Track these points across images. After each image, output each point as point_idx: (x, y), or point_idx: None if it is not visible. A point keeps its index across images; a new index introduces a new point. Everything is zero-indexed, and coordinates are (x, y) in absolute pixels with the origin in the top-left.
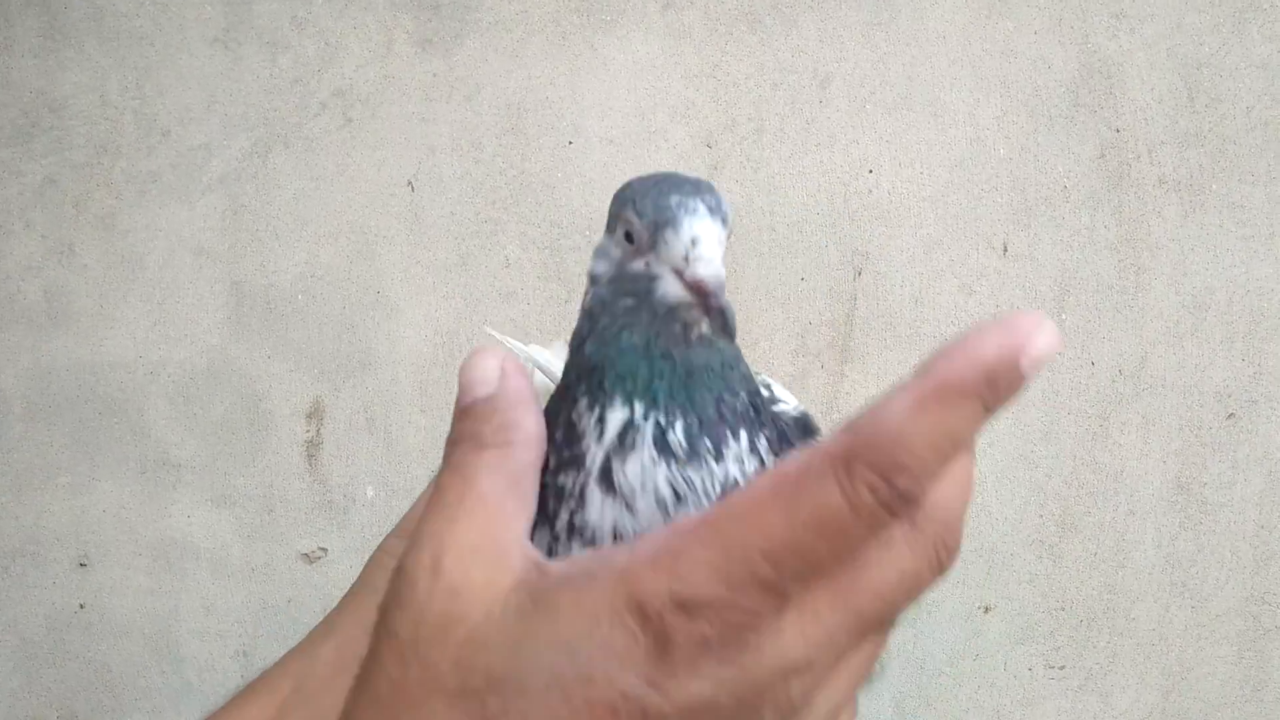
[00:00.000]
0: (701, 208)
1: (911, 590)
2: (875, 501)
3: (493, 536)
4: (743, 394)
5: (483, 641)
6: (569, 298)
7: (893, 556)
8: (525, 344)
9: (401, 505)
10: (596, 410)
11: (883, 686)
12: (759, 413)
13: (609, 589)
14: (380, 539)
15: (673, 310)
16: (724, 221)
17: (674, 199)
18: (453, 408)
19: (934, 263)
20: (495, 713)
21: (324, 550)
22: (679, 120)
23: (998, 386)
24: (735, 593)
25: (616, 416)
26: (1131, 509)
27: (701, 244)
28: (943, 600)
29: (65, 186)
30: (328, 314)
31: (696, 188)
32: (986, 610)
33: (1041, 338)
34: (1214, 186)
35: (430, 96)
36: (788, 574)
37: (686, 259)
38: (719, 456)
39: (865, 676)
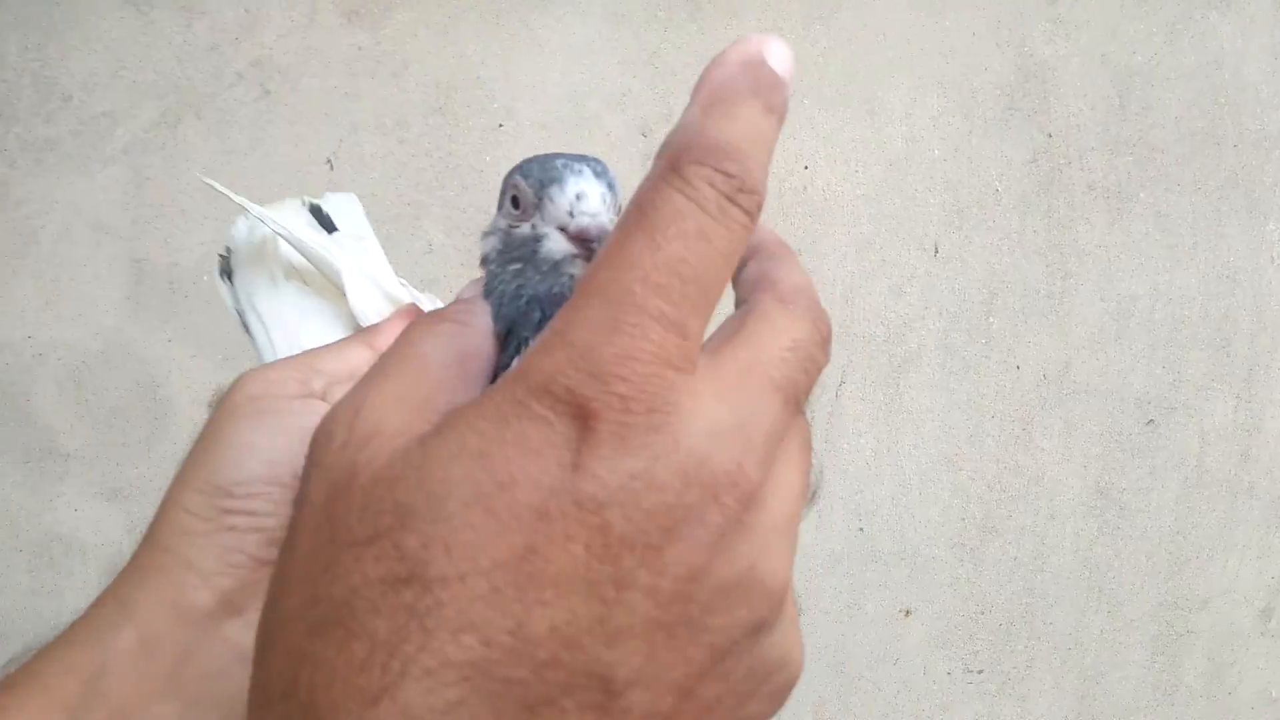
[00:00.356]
0: (587, 170)
1: (805, 359)
2: (718, 193)
3: (422, 392)
4: None
5: (388, 479)
6: None
7: (775, 324)
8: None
9: None
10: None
11: (802, 691)
12: None
13: (509, 387)
14: None
15: (557, 265)
16: (609, 187)
17: (559, 161)
18: None
19: (865, 262)
20: (413, 549)
21: None
22: (614, 107)
23: (760, 83)
24: (639, 339)
25: None
26: (1052, 513)
27: (586, 199)
28: (864, 603)
29: None
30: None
31: (583, 157)
32: (907, 614)
33: (770, 42)
34: (1141, 194)
35: (355, 71)
36: (679, 301)
37: (571, 214)
38: None
39: (805, 471)
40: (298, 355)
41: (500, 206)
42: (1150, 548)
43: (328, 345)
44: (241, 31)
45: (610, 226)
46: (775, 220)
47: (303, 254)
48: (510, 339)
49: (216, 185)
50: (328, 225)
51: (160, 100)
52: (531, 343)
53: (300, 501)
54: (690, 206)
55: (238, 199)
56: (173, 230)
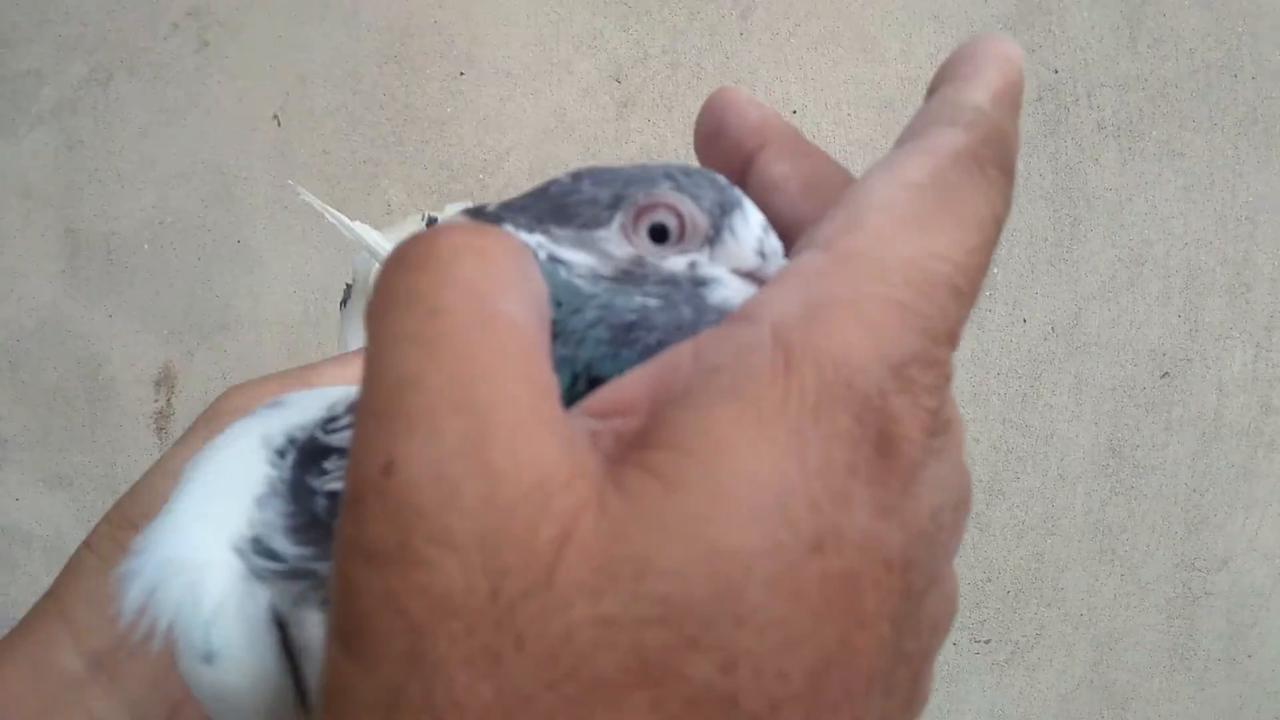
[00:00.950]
0: (743, 194)
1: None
2: (1003, 206)
3: (547, 391)
4: None
5: (624, 559)
6: None
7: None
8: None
9: None
10: None
11: None
12: None
13: (804, 388)
14: None
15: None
16: None
17: (723, 180)
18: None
19: None
20: (708, 680)
21: None
22: (584, 51)
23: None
24: (941, 344)
25: None
26: (1061, 474)
27: (773, 235)
28: None
29: None
30: (179, 267)
31: (709, 174)
32: None
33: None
34: (1153, 133)
35: (300, 18)
36: (966, 312)
37: (762, 254)
38: None
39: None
40: (295, 369)
41: (591, 221)
42: (1166, 507)
43: (330, 358)
44: None
45: None
46: None
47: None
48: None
49: (313, 200)
50: None
51: (89, 55)
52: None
53: (397, 609)
54: (989, 211)
55: (329, 212)
56: (109, 197)
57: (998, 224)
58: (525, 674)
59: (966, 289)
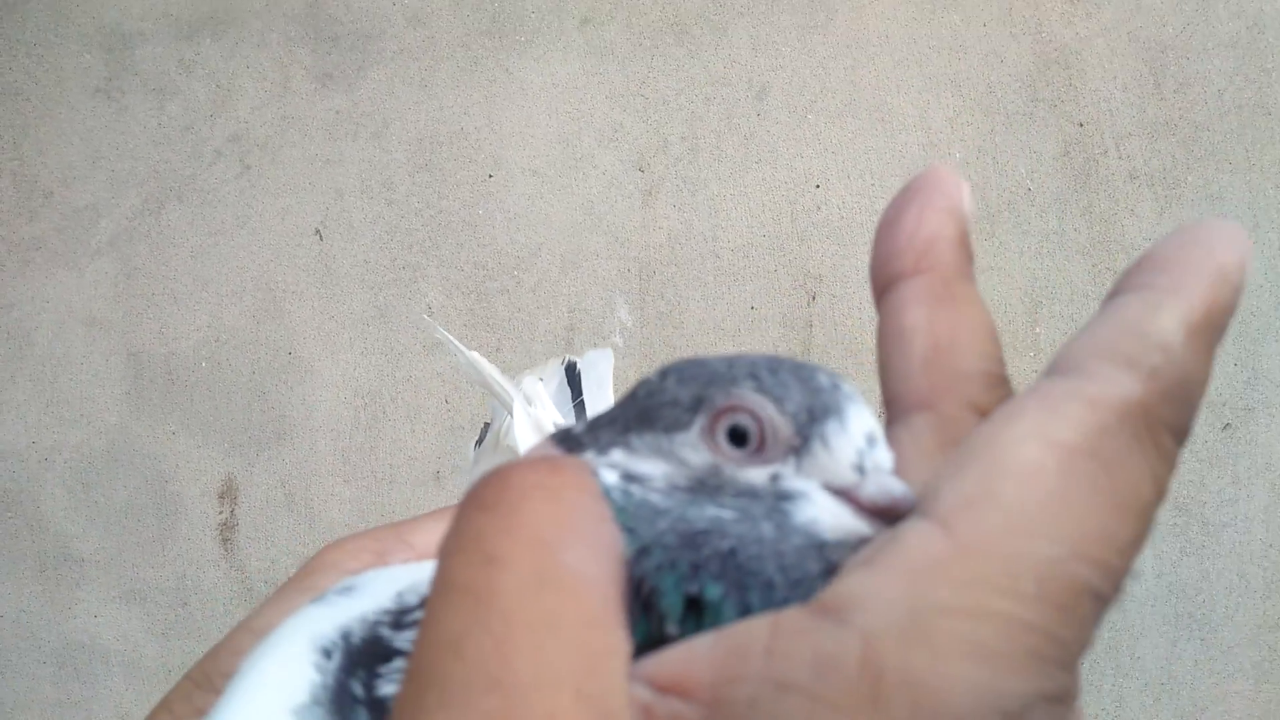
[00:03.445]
0: (858, 396)
1: None
2: (1173, 466)
3: (596, 650)
4: None
5: None
6: (500, 344)
7: None
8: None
9: None
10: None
11: None
12: None
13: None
14: None
15: (821, 548)
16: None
17: (823, 379)
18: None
19: None
20: None
21: None
22: (607, 144)
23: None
24: (1068, 668)
25: None
26: None
27: (880, 446)
28: None
29: None
30: (236, 381)
31: (830, 373)
32: None
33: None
34: (1189, 178)
35: (334, 136)
36: (1121, 580)
37: (861, 469)
38: None
39: None
40: (389, 525)
41: (673, 425)
42: (1242, 565)
43: (431, 512)
44: (215, 108)
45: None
46: (790, 245)
47: (493, 395)
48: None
49: (450, 338)
50: (576, 385)
51: (141, 187)
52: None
53: None
54: (1153, 492)
55: (463, 352)
56: (167, 319)
57: (1159, 506)
58: None
59: (1109, 593)
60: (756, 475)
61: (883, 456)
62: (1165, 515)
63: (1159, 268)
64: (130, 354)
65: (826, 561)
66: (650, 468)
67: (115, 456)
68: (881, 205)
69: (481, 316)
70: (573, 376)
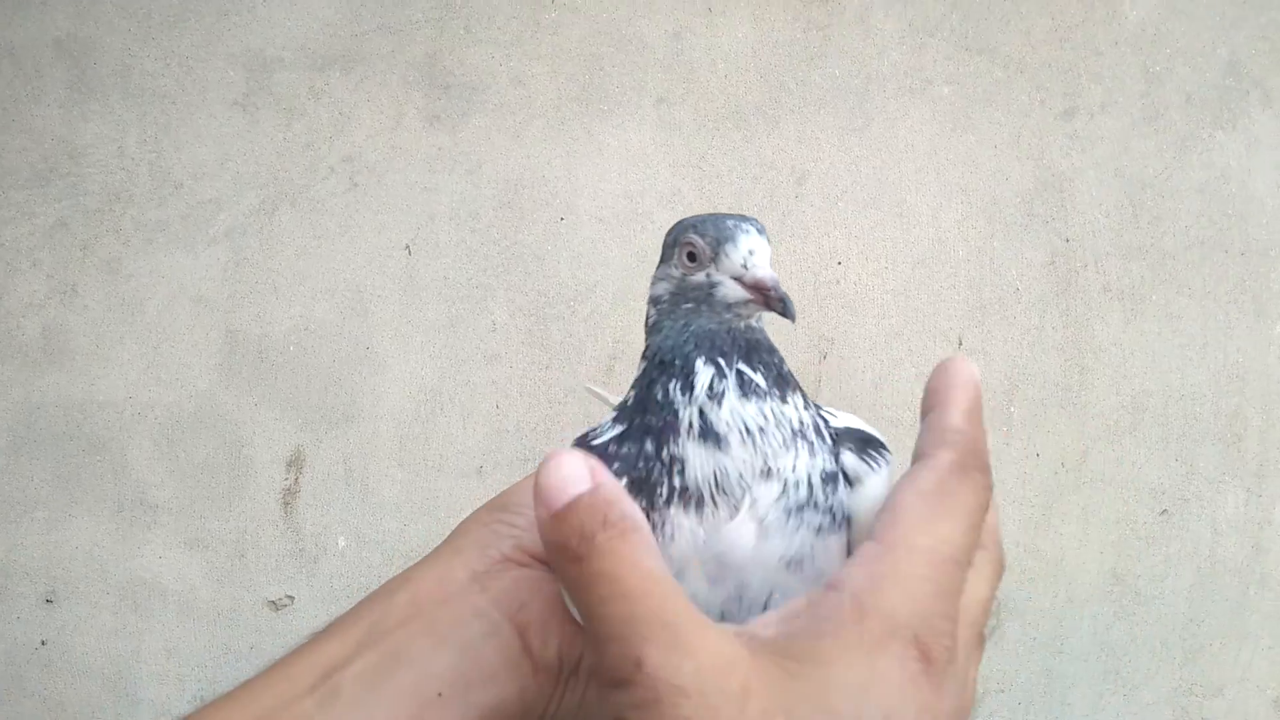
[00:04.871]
0: (753, 229)
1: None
2: (987, 500)
3: (691, 619)
4: (784, 363)
5: (773, 696)
6: (549, 363)
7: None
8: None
9: (372, 557)
10: (681, 379)
11: None
12: (792, 376)
13: (865, 630)
14: (350, 590)
15: (731, 306)
16: (768, 241)
17: (730, 222)
18: (534, 510)
19: (894, 351)
20: None
21: (291, 598)
22: (665, 205)
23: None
24: (952, 603)
25: (703, 375)
26: (1070, 596)
27: (757, 254)
28: None
29: (75, 230)
30: (316, 366)
31: (744, 217)
32: None
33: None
34: (1154, 297)
35: (434, 168)
36: (964, 578)
37: (745, 266)
38: (784, 399)
39: None
40: (497, 501)
41: (668, 258)
42: (1165, 634)
43: (520, 482)
44: (335, 131)
45: (774, 272)
46: (811, 312)
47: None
48: (664, 369)
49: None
50: None
51: (260, 190)
52: (857, 571)
53: None
54: (978, 505)
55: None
56: (265, 306)
57: (984, 507)
58: None
59: (965, 559)
60: (699, 276)
61: (760, 260)
62: (1103, 583)
63: (937, 394)
64: (228, 331)
65: (737, 313)
66: (661, 288)
67: (201, 418)
68: (893, 286)
69: (538, 337)
70: None
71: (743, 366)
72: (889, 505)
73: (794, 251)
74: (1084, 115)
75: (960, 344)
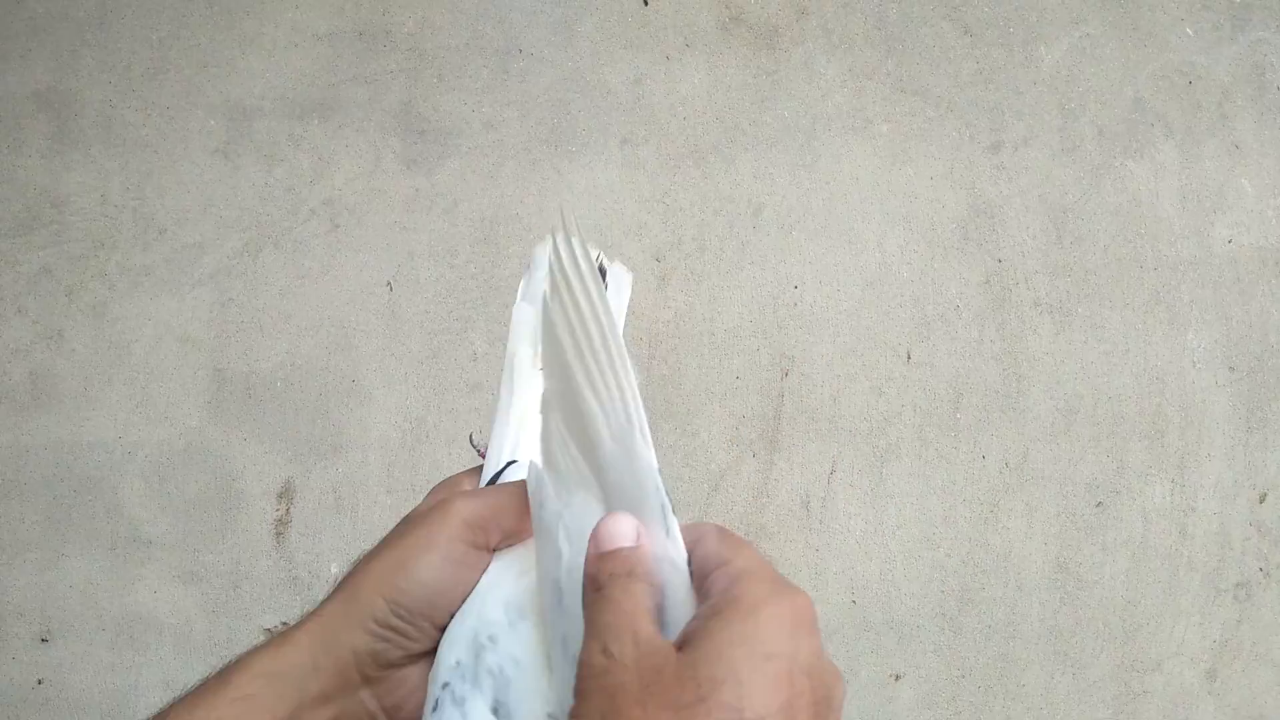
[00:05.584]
0: None
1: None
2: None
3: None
4: None
5: (691, 663)
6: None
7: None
8: None
9: None
10: None
11: None
12: None
13: (748, 597)
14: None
15: None
16: None
17: None
18: (584, 549)
19: (849, 367)
20: (730, 704)
21: (286, 624)
22: (632, 237)
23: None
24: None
25: None
26: (1019, 585)
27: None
28: (858, 669)
29: (60, 276)
30: (304, 400)
31: None
32: (897, 678)
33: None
34: (1079, 309)
35: (412, 208)
36: None
37: None
38: None
39: None
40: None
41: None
42: (1106, 615)
43: (470, 470)
44: (315, 175)
45: None
46: (771, 331)
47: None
48: None
49: (479, 449)
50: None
51: (243, 233)
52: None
53: (613, 689)
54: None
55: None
56: (251, 344)
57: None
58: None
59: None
60: None
61: None
62: (1048, 571)
63: (693, 550)
64: (215, 369)
65: None
66: None
67: (191, 454)
68: (846, 306)
69: None
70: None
71: None
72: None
73: (754, 279)
74: (1009, 148)
75: (909, 357)
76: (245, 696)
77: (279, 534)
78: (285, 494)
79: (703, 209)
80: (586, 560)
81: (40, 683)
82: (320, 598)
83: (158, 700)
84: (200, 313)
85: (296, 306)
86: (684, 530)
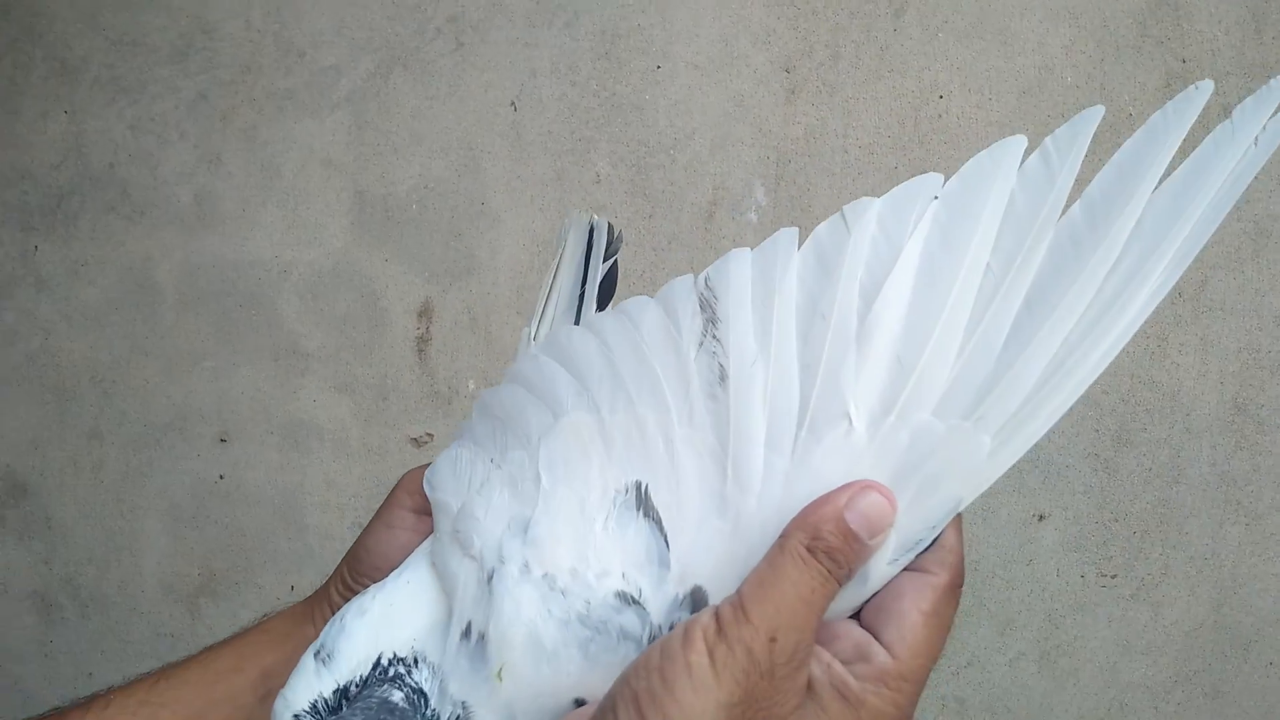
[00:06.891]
0: None
1: None
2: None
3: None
4: None
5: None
6: (653, 212)
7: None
8: None
9: None
10: None
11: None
12: None
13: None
14: None
15: None
16: None
17: None
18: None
19: None
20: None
21: (430, 435)
22: (760, 46)
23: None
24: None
25: None
26: (1188, 427)
27: None
28: (998, 507)
29: (214, 101)
30: (438, 222)
31: None
32: (1041, 518)
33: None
34: None
35: (533, 23)
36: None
37: None
38: None
39: None
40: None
41: None
42: None
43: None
44: None
45: None
46: (911, 147)
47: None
48: None
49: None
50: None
51: (374, 54)
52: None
53: (748, 684)
54: (952, 621)
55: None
56: (387, 166)
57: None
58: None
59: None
60: None
61: None
62: (1223, 413)
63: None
64: (356, 192)
65: None
66: None
67: (339, 274)
68: (997, 118)
69: (640, 186)
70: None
71: None
72: (898, 618)
73: (894, 88)
74: None
75: None
76: (261, 627)
77: (421, 350)
78: (425, 312)
79: (837, 11)
80: (826, 512)
81: (221, 478)
82: (459, 412)
83: (321, 497)
84: (339, 136)
85: (427, 128)
86: (911, 578)
